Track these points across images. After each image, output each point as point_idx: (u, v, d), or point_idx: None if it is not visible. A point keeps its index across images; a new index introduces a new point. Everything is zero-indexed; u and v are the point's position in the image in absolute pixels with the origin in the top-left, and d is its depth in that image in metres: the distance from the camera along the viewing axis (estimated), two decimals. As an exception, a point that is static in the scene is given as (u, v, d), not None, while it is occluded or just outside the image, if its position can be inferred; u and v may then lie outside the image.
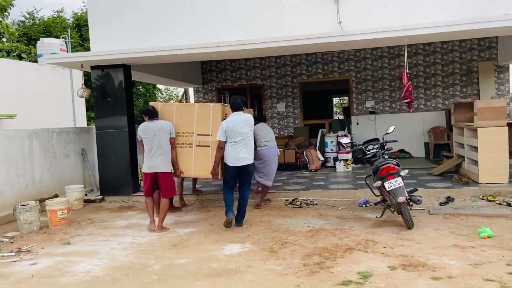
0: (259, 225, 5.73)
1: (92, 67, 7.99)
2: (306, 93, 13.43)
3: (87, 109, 15.39)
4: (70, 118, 14.81)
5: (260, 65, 12.74)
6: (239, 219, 5.67)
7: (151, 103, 6.22)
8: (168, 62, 8.41)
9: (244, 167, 5.52)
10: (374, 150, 5.85)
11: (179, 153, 5.97)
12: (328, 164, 10.23)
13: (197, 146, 5.97)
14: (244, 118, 5.54)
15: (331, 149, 10.22)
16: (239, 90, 13.57)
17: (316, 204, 6.81)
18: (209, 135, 5.91)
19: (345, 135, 10.21)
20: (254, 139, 6.13)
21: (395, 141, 5.95)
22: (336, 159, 10.00)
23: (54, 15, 22.48)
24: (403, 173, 5.09)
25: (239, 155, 5.46)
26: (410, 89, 6.38)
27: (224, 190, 5.68)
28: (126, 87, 8.02)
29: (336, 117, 18.60)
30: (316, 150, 10.07)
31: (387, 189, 5.02)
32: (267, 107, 12.80)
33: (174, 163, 5.85)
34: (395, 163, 5.24)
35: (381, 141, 5.92)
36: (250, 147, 5.59)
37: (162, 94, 28.74)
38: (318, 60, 12.33)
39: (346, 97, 20.72)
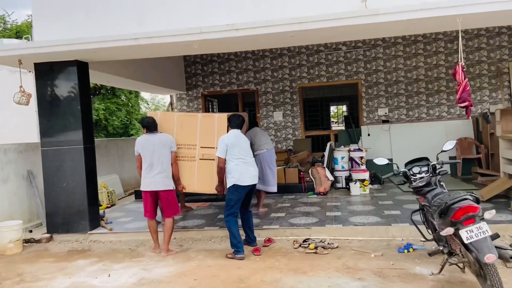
0: (262, 289, 3.85)
1: (36, 64, 6.12)
2: (307, 100, 11.62)
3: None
4: (33, 130, 12.88)
5: (254, 68, 10.92)
6: (253, 238, 5.18)
7: (149, 113, 5.54)
8: (137, 57, 6.56)
9: (253, 185, 5.09)
10: (424, 175, 4.07)
11: (180, 166, 5.41)
12: (339, 185, 8.41)
13: (200, 159, 5.45)
14: (244, 136, 5.13)
15: (342, 167, 8.40)
16: (229, 97, 11.73)
17: (337, 247, 4.96)
18: (213, 147, 5.28)
19: (359, 149, 8.45)
20: (251, 144, 5.71)
21: (458, 162, 4.17)
22: (348, 179, 8.20)
23: (28, 20, 20.70)
24: (488, 215, 3.26)
25: (252, 172, 4.98)
26: (468, 88, 4.55)
27: (231, 221, 4.92)
28: (82, 91, 6.14)
29: (339, 128, 16.81)
30: (324, 168, 8.25)
31: (466, 241, 3.19)
32: (262, 116, 10.96)
33: (176, 178, 5.33)
34: (474, 198, 3.38)
35: (433, 162, 4.14)
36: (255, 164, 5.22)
37: (148, 104, 26.75)
38: (322, 61, 10.56)
39: (344, 105, 18.99)
